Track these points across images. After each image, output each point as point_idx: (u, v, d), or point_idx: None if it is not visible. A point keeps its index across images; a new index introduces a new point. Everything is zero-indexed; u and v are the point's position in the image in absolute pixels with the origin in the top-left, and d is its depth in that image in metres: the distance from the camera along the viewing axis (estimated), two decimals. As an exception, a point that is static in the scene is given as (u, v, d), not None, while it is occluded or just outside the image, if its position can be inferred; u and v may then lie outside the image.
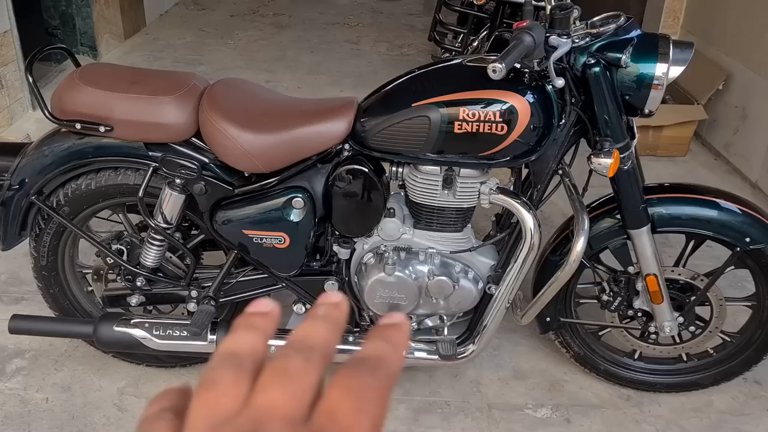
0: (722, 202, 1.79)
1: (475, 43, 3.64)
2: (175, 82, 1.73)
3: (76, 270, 1.98)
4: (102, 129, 1.66)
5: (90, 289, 2.02)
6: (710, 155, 3.62)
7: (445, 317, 1.89)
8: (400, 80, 1.73)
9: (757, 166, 3.24)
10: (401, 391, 2.08)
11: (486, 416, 2.01)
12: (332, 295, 0.35)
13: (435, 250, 1.80)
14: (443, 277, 1.79)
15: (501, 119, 1.58)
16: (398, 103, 1.66)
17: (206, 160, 1.72)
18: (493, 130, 1.59)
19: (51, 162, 1.75)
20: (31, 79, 1.65)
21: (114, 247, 1.85)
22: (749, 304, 1.91)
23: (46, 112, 1.68)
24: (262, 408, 0.28)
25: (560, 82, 1.48)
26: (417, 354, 1.86)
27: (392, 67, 4.96)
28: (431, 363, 1.90)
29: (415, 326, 1.92)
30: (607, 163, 1.58)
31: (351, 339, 1.88)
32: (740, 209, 1.78)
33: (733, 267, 1.83)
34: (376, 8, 6.72)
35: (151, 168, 1.71)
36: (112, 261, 1.85)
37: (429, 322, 1.92)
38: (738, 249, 1.76)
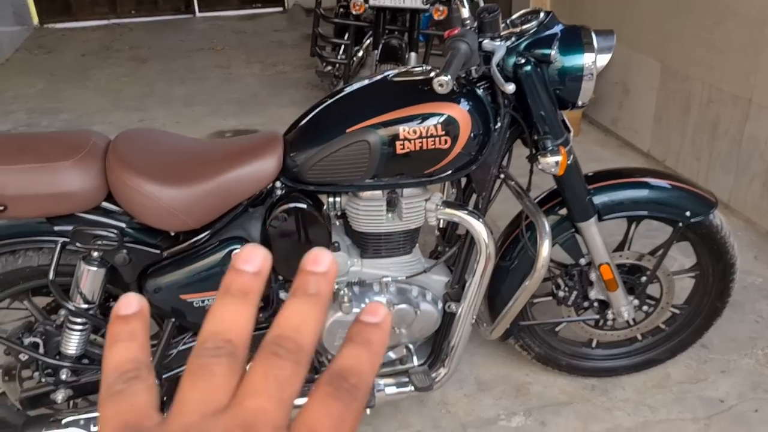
0: (652, 181, 1.82)
1: (360, 53, 3.56)
2: (71, 143, 1.50)
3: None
4: (-7, 211, 1.41)
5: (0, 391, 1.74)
6: (600, 132, 3.77)
7: (410, 346, 1.79)
8: (324, 105, 1.61)
9: (647, 136, 3.40)
10: (370, 430, 1.96)
11: (462, 437, 1.93)
12: (323, 255, 0.32)
13: (389, 278, 1.70)
14: (403, 305, 1.69)
15: (443, 132, 1.50)
16: (330, 131, 1.54)
17: (123, 224, 1.51)
18: (438, 145, 1.51)
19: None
20: None
21: (26, 340, 1.59)
22: (693, 274, 1.95)
23: None
24: (252, 412, 0.28)
25: (511, 87, 1.42)
26: (389, 390, 1.74)
27: (271, 88, 4.79)
28: (405, 396, 1.78)
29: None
30: (556, 161, 1.55)
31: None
32: (671, 184, 1.81)
33: (675, 241, 1.86)
34: (238, 29, 6.50)
35: (60, 244, 1.48)
36: (26, 357, 1.59)
37: (392, 355, 1.82)
38: (680, 224, 1.79)
